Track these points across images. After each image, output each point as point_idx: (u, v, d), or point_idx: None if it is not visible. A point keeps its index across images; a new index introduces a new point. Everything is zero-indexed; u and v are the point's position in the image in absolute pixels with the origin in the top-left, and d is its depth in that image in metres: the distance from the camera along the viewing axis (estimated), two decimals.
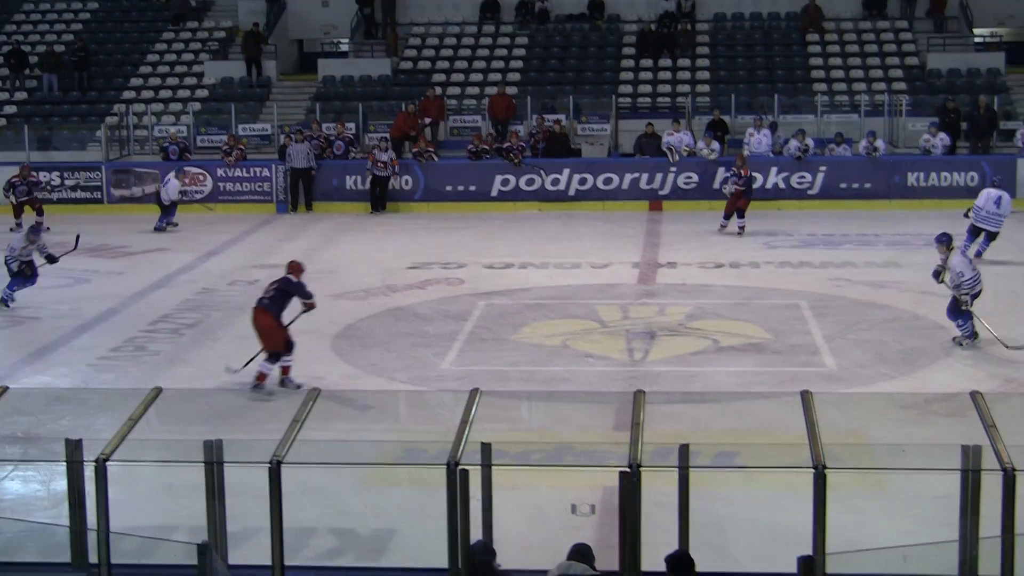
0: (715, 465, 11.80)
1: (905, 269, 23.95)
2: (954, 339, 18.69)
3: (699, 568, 9.88)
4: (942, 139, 31.52)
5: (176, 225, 29.43)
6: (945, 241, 18.94)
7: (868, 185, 30.97)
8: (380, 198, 31.08)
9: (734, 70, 37.05)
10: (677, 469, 10.22)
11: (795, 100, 34.70)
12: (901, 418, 15.56)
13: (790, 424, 10.03)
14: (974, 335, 18.52)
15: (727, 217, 28.29)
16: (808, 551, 9.15)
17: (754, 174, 29.20)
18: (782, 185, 31.07)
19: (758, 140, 31.87)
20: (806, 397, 10.12)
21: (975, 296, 18.50)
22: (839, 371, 17.73)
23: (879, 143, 31.35)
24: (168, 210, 29.50)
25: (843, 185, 31.02)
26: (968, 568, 9.95)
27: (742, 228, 27.95)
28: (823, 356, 18.43)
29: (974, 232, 24.75)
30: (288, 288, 17.16)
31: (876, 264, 24.50)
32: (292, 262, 17.67)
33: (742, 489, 12.90)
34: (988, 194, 24.95)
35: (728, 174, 28.81)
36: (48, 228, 26.50)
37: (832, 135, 32.33)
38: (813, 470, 9.26)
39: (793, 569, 9.19)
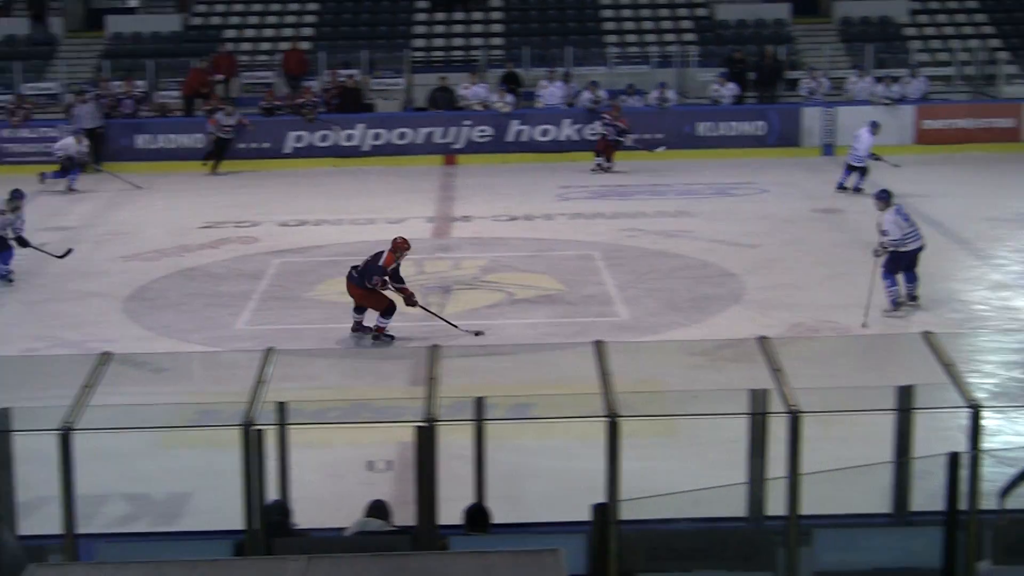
0: (510, 417, 11.89)
1: (695, 218, 24.41)
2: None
3: (496, 519, 10.00)
4: (730, 89, 32.16)
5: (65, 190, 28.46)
6: (883, 198, 18.48)
7: (659, 135, 31.37)
8: (218, 156, 30.36)
9: (527, 22, 37.18)
10: (473, 422, 10.29)
11: (587, 52, 34.96)
12: (692, 364, 15.83)
13: (584, 374, 10.12)
14: (897, 303, 18.15)
15: (599, 155, 29.62)
16: (602, 499, 9.27)
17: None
18: (575, 137, 31.30)
19: (551, 92, 32.10)
20: (599, 347, 10.22)
21: (914, 252, 18.17)
22: (632, 320, 18.01)
23: (669, 94, 31.84)
24: (70, 168, 28.54)
25: (634, 136, 31.34)
26: (755, 509, 10.21)
27: (604, 168, 29.42)
28: (616, 306, 18.69)
29: (848, 168, 26.63)
30: (375, 261, 17.12)
31: (667, 214, 24.89)
32: (396, 238, 17.56)
33: (537, 440, 13.06)
34: (856, 131, 26.99)
35: (605, 120, 29.74)
36: None
37: (624, 86, 32.65)
38: (607, 419, 9.37)
39: (588, 516, 9.34)
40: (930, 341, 10.29)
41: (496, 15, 37.43)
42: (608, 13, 37.38)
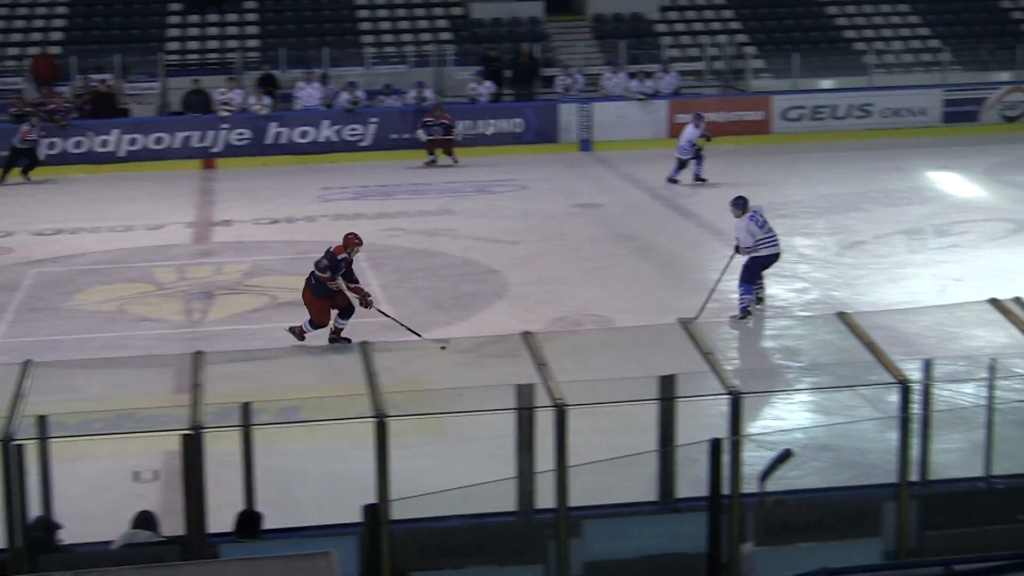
0: (278, 421, 11.81)
1: (457, 216, 24.55)
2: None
3: (267, 525, 9.93)
4: (487, 87, 32.40)
5: None
6: (739, 204, 18.24)
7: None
8: (32, 165, 29.38)
9: (282, 24, 36.86)
10: (240, 428, 10.20)
11: (344, 52, 34.82)
12: (458, 362, 15.96)
13: (351, 375, 10.13)
14: (747, 311, 17.94)
15: (431, 153, 30.01)
16: (373, 499, 9.28)
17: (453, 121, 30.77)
18: (334, 138, 31.23)
19: (309, 94, 31.93)
20: (365, 348, 10.24)
21: (770, 258, 18.03)
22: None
23: (427, 93, 31.93)
24: None
25: (394, 136, 31.41)
26: (525, 503, 10.32)
27: (454, 162, 30.00)
28: (381, 306, 18.66)
29: (679, 161, 27.43)
30: (333, 265, 16.60)
31: (429, 212, 24.98)
32: (347, 235, 17.01)
33: (306, 443, 12.99)
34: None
35: (428, 123, 30.11)
36: None
37: (381, 86, 32.66)
38: (374, 419, 9.40)
39: (359, 518, 9.33)
40: (689, 330, 10.54)
41: (251, 17, 37.04)
42: (364, 13, 37.31)
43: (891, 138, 32.39)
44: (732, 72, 35.47)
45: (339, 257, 16.73)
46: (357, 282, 16.98)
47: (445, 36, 36.26)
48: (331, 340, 16.89)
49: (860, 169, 28.64)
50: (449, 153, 30.21)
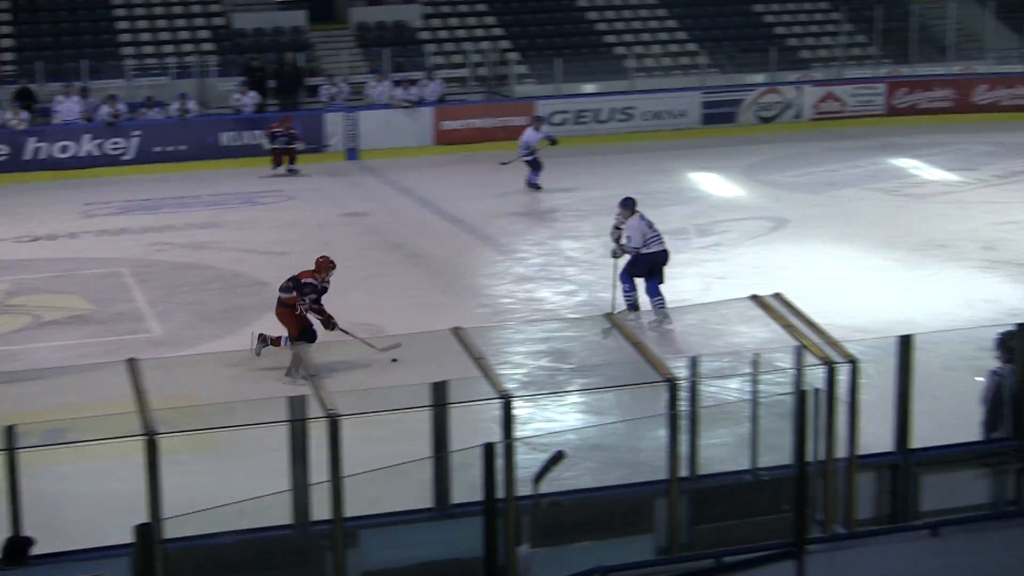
0: (44, 444, 11.57)
1: (224, 228, 24.33)
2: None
3: (37, 550, 9.71)
4: (252, 97, 32.12)
5: None
6: (628, 205, 18.47)
7: (183, 147, 31.05)
8: None
9: (38, 36, 35.98)
10: (3, 452, 9.96)
11: (103, 65, 34.15)
12: (229, 376, 15.83)
13: (119, 393, 9.99)
14: (635, 306, 18.12)
15: (277, 165, 29.92)
16: (145, 518, 9.15)
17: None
18: (96, 152, 30.62)
19: (68, 107, 31.25)
20: (132, 365, 10.11)
21: (657, 255, 18.17)
22: (165, 335, 17.81)
23: (190, 104, 31.54)
24: None
25: (158, 149, 30.93)
26: (301, 515, 10.27)
27: (293, 171, 29.63)
28: (149, 322, 18.46)
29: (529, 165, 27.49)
30: (297, 286, 16.10)
31: (196, 226, 24.70)
32: (319, 258, 16.41)
33: (75, 464, 12.74)
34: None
35: (277, 133, 29.87)
36: None
37: (143, 99, 32.13)
38: (144, 437, 9.27)
39: (131, 538, 9.19)
40: (460, 336, 10.61)
41: (5, 29, 36.07)
42: (123, 24, 36.62)
43: (653, 140, 33.05)
44: (496, 78, 35.76)
45: (303, 281, 16.32)
46: (321, 305, 16.44)
47: (207, 46, 35.81)
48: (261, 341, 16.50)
49: (623, 171, 29.08)
50: (292, 162, 29.94)
